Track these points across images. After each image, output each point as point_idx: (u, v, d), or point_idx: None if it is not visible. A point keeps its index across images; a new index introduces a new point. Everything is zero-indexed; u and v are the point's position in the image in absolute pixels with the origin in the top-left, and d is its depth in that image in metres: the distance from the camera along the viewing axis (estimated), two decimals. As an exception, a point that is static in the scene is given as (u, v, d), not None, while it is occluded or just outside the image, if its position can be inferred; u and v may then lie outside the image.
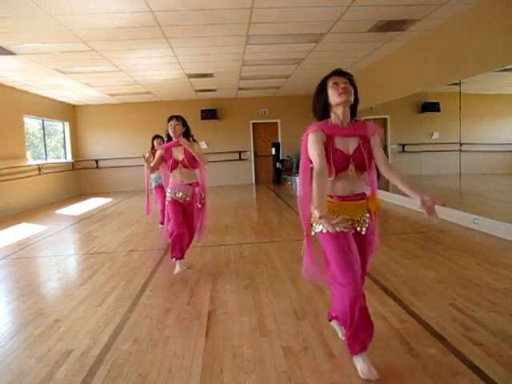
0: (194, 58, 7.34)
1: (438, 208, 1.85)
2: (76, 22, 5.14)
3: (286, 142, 12.63)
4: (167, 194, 4.01)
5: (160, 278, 3.95)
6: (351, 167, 2.08)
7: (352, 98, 2.08)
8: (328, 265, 2.20)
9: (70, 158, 12.13)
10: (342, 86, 2.05)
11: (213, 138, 12.61)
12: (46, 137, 11.25)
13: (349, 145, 2.11)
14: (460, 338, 2.42)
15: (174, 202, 3.95)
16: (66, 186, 11.60)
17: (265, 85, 10.60)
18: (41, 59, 6.89)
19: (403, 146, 8.15)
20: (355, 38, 6.47)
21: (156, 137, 6.06)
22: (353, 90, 2.09)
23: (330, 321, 2.50)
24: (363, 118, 2.35)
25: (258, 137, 13.08)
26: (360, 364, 2.08)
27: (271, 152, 12.72)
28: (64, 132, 12.11)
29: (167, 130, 3.95)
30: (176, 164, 3.91)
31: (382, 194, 7.90)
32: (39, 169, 10.01)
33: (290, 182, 12.12)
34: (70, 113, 12.26)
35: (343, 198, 2.12)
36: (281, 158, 12.65)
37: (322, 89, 2.13)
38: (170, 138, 3.97)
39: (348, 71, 2.13)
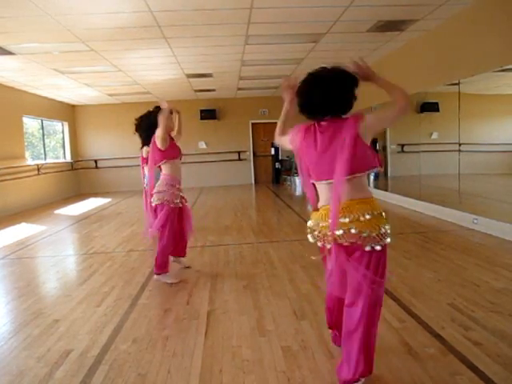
0: (193, 57, 7.33)
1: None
2: (75, 22, 5.14)
3: (286, 142, 12.62)
4: (167, 198, 3.58)
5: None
6: None
7: None
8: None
9: (69, 158, 12.11)
10: None
11: (212, 138, 12.57)
12: (45, 137, 11.23)
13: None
14: (459, 337, 2.42)
15: (175, 210, 3.66)
16: (65, 186, 11.58)
17: (264, 85, 10.59)
18: (40, 59, 6.89)
19: (402, 146, 8.16)
20: (354, 38, 6.47)
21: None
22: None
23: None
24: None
25: (257, 137, 13.06)
26: None
27: (270, 152, 12.71)
28: (63, 132, 12.09)
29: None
30: (179, 152, 3.70)
31: (382, 194, 7.96)
32: (38, 169, 9.99)
33: (289, 182, 12.14)
34: (69, 113, 12.24)
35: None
36: (280, 158, 12.63)
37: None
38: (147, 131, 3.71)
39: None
